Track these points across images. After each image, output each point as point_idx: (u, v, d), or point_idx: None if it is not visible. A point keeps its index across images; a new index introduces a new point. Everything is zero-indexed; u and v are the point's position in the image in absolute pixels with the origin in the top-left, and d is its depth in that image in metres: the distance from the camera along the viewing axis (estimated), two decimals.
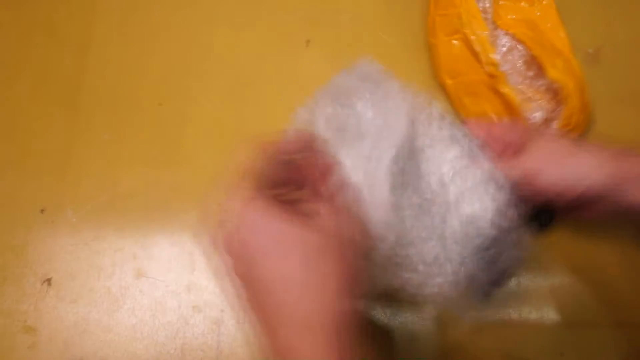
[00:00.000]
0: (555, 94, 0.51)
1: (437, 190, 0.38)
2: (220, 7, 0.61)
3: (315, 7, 0.60)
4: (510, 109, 0.51)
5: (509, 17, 0.54)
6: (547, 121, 0.51)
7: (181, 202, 0.52)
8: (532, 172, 0.39)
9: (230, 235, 0.32)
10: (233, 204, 0.32)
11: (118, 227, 0.51)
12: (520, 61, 0.53)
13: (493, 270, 0.38)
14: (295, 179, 0.35)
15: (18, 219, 0.51)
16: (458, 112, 0.54)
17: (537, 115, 0.50)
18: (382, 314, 0.47)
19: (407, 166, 0.37)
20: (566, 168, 0.39)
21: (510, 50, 0.53)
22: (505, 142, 0.41)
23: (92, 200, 0.52)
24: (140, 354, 0.47)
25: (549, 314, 0.48)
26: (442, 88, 0.55)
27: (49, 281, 0.49)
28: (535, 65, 0.52)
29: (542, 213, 0.42)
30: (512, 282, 0.48)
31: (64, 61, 0.58)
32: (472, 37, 0.52)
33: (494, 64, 0.51)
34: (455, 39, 0.54)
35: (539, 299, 0.48)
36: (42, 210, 0.52)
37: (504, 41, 0.53)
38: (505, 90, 0.51)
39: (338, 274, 0.31)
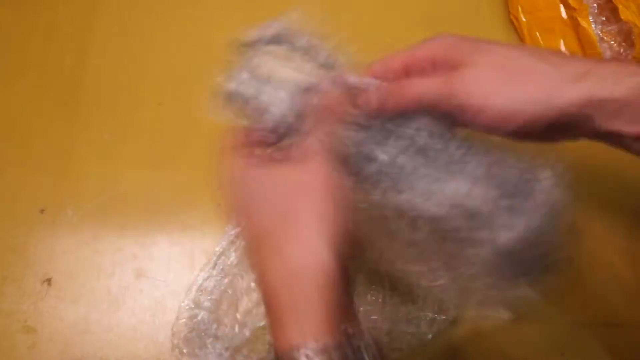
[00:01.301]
0: (625, 37, 0.53)
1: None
2: (220, 6, 0.61)
3: (315, 7, 0.60)
4: (585, 45, 0.53)
5: None
6: None
7: (181, 202, 0.52)
8: (474, 99, 0.29)
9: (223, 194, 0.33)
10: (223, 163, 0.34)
11: (118, 227, 0.51)
12: (595, 5, 0.54)
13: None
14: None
15: (18, 219, 0.51)
16: None
17: (607, 55, 0.53)
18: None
19: None
20: (522, 90, 0.29)
21: None
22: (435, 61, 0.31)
23: (92, 200, 0.52)
24: (140, 354, 0.47)
25: (549, 314, 0.47)
26: (514, 24, 0.58)
27: (49, 281, 0.49)
28: (607, 10, 0.54)
29: None
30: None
31: (64, 61, 0.58)
32: None
33: None
34: None
35: (539, 299, 0.48)
36: (42, 210, 0.51)
37: None
38: (585, 23, 0.53)
39: (322, 211, 0.29)
